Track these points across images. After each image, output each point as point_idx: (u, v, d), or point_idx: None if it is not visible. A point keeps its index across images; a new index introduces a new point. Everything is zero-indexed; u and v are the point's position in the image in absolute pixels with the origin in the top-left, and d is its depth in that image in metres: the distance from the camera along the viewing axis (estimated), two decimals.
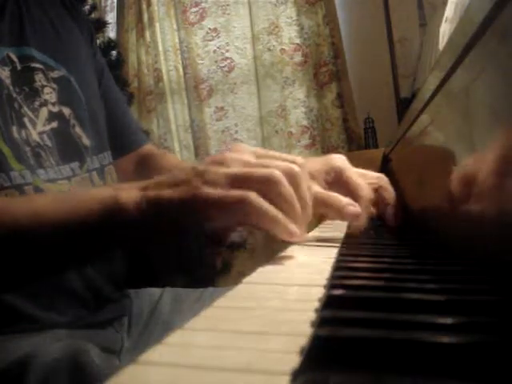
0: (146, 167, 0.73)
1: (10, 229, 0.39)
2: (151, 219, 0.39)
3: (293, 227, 0.39)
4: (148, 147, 0.77)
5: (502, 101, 0.29)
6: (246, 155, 0.42)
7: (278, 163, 0.41)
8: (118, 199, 0.39)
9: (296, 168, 0.41)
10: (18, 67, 0.55)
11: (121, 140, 0.69)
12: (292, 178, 0.40)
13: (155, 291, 0.70)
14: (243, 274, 0.37)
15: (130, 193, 0.40)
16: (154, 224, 0.40)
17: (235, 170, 0.39)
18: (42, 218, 0.40)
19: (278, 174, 0.39)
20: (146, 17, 2.22)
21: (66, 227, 0.40)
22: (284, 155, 0.45)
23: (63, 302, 0.53)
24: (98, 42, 1.76)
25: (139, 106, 2.22)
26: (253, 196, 0.37)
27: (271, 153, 0.44)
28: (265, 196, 0.38)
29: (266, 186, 0.39)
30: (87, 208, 0.40)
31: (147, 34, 2.22)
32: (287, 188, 0.39)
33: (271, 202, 0.39)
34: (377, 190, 0.58)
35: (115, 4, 2.31)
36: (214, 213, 0.38)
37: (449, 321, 0.20)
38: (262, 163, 0.41)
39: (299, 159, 0.44)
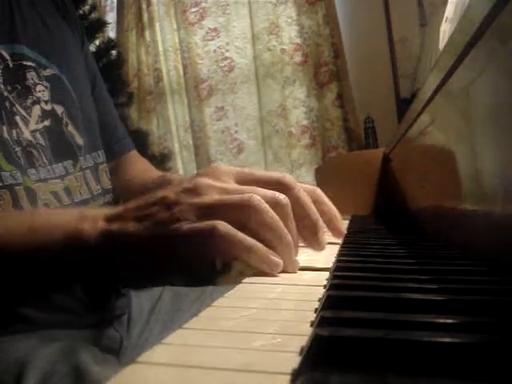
0: (114, 176, 0.71)
1: None
2: (113, 254, 0.37)
3: (274, 258, 0.35)
4: (128, 156, 0.76)
5: (502, 101, 0.29)
6: (222, 180, 0.38)
7: (261, 190, 0.37)
8: (79, 228, 0.37)
9: (283, 198, 0.37)
10: (10, 65, 0.55)
11: (105, 147, 0.68)
12: (279, 207, 0.37)
13: (155, 290, 0.70)
14: (243, 274, 0.36)
15: (94, 222, 0.38)
16: (117, 259, 0.38)
17: (207, 199, 0.36)
18: None
19: (256, 198, 0.35)
20: (145, 17, 2.22)
21: (23, 252, 0.38)
22: (268, 175, 0.41)
23: (60, 301, 0.52)
24: (97, 41, 1.77)
25: (139, 106, 2.22)
26: (221, 225, 0.34)
27: (256, 173, 0.40)
28: (244, 226, 0.35)
29: (242, 213, 0.35)
30: (46, 234, 0.38)
31: (147, 33, 2.22)
32: (269, 214, 0.35)
33: (253, 232, 0.35)
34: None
35: (115, 4, 2.31)
36: (182, 250, 0.35)
37: (449, 321, 0.20)
38: (241, 190, 0.37)
39: (286, 177, 0.40)
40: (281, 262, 0.35)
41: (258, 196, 0.36)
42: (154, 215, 0.36)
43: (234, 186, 0.38)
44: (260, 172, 0.41)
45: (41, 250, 0.38)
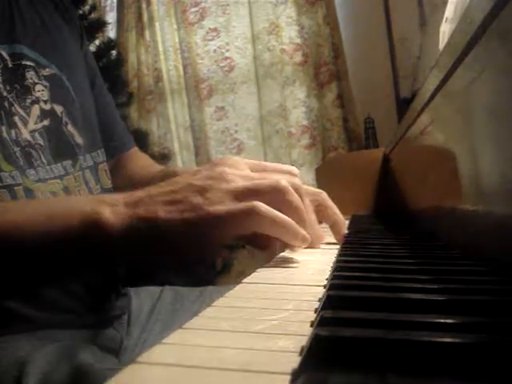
0: (114, 174, 0.71)
1: None
2: (140, 241, 0.37)
3: (304, 232, 0.39)
4: (128, 153, 0.76)
5: (501, 101, 0.29)
6: (240, 169, 0.41)
7: (279, 176, 0.41)
8: (99, 216, 0.36)
9: (297, 181, 0.42)
10: (9, 65, 0.55)
11: (104, 145, 0.68)
12: (296, 189, 0.41)
13: (155, 289, 0.70)
14: (243, 273, 0.37)
15: (115, 209, 0.37)
16: (143, 246, 0.37)
17: (240, 184, 0.39)
18: (14, 230, 0.37)
19: (284, 182, 0.39)
20: (145, 16, 2.21)
21: (40, 241, 0.37)
22: (278, 166, 0.45)
23: (60, 301, 0.52)
24: (97, 41, 1.77)
25: (139, 106, 2.21)
26: (260, 205, 0.37)
27: (263, 164, 0.45)
28: (272, 206, 0.38)
29: (273, 195, 0.39)
30: (64, 222, 0.37)
31: (147, 33, 2.22)
32: (295, 196, 0.40)
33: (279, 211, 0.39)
34: (317, 207, 0.53)
35: (115, 4, 2.31)
36: (222, 230, 0.37)
37: (449, 321, 0.20)
38: (263, 177, 0.41)
39: (294, 169, 0.45)
40: (309, 236, 0.39)
41: (284, 181, 0.40)
42: (186, 200, 0.37)
43: (254, 173, 0.42)
44: (271, 164, 0.45)
45: (58, 239, 0.38)
